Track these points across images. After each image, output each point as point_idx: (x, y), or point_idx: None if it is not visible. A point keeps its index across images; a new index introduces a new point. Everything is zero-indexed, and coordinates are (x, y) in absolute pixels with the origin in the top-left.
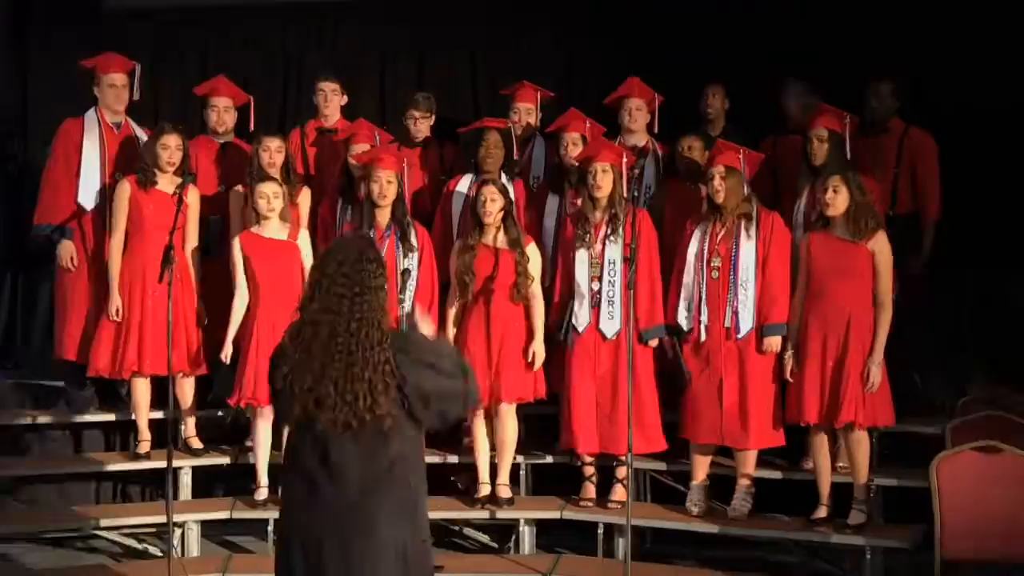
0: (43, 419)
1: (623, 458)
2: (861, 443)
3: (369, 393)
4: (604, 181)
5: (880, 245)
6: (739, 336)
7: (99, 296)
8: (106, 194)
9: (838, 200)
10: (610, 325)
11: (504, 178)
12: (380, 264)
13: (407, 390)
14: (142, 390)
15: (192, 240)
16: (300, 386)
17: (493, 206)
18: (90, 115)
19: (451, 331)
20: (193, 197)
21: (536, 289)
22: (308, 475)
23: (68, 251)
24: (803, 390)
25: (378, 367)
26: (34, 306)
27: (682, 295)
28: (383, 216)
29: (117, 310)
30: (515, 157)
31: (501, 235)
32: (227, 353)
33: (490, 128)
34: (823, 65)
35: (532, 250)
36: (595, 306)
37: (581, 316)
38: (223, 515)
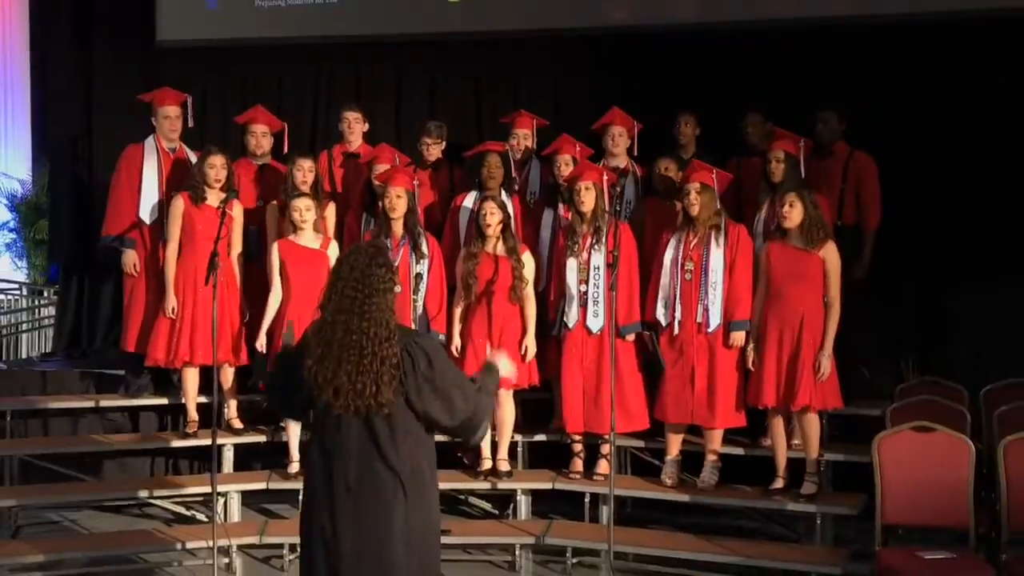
0: (105, 402)
1: (607, 436)
2: (812, 423)
3: (375, 383)
4: (588, 198)
5: (830, 253)
6: (709, 330)
7: (156, 297)
8: (163, 209)
9: (793, 213)
10: (595, 322)
11: (504, 195)
12: (389, 269)
13: (408, 381)
14: (191, 378)
15: (236, 247)
16: (324, 376)
17: (493, 219)
18: (149, 141)
19: (456, 327)
20: (237, 211)
21: (529, 291)
22: (327, 452)
23: (131, 259)
24: (762, 378)
25: (385, 360)
26: (97, 306)
27: (660, 295)
28: (398, 227)
29: (172, 309)
30: (513, 176)
31: (500, 244)
32: (261, 343)
33: (491, 151)
34: (780, 96)
35: (527, 257)
36: (583, 306)
37: (571, 315)
38: (260, 486)
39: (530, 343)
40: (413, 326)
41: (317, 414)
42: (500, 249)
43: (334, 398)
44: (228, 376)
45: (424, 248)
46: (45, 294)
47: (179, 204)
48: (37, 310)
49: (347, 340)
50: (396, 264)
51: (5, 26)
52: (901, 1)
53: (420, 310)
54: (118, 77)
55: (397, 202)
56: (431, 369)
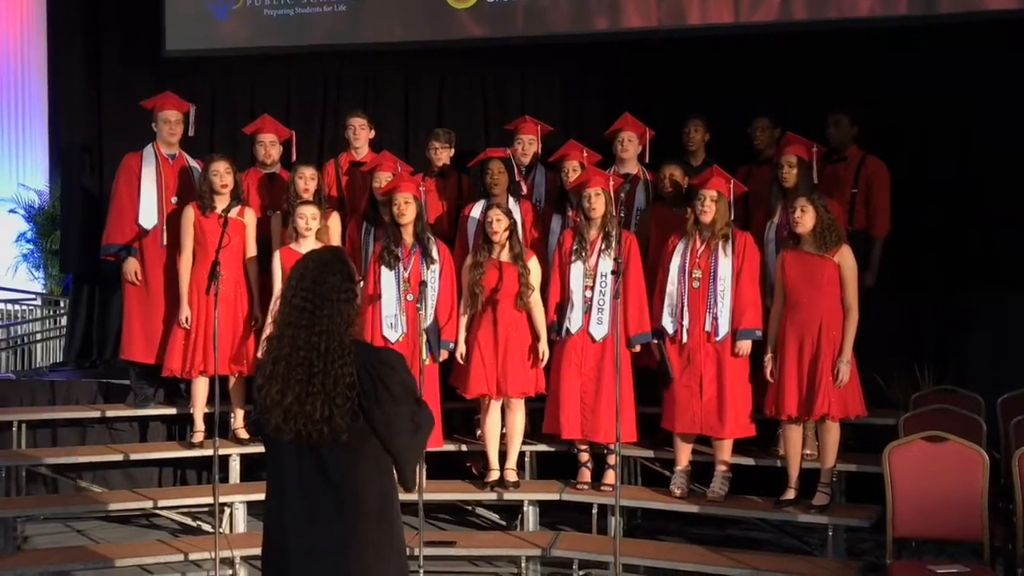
0: (112, 412)
1: (613, 446)
2: (833, 433)
3: (327, 406)
4: (597, 203)
5: (845, 258)
6: (717, 339)
7: (156, 305)
8: (163, 216)
9: (805, 219)
10: (599, 329)
11: (511, 201)
12: (346, 277)
13: (366, 403)
14: (201, 387)
15: (250, 253)
16: (272, 397)
17: (499, 226)
18: (148, 149)
19: (463, 335)
20: (250, 217)
21: (536, 297)
22: (279, 488)
23: (132, 267)
24: (783, 388)
25: (339, 380)
26: (107, 316)
27: (666, 302)
28: (407, 235)
29: (186, 319)
30: (518, 181)
31: (506, 251)
32: (263, 351)
33: (493, 157)
34: (791, 101)
35: (533, 263)
36: (587, 311)
37: (574, 320)
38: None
39: (544, 349)
40: (421, 334)
41: (268, 442)
42: (505, 256)
43: (283, 422)
44: (237, 386)
45: (434, 254)
46: (61, 304)
47: (189, 214)
48: (54, 320)
49: (294, 357)
50: (407, 273)
51: (25, 40)
52: (915, 3)
53: (427, 319)
54: (127, 88)
55: (405, 208)
56: (390, 392)
